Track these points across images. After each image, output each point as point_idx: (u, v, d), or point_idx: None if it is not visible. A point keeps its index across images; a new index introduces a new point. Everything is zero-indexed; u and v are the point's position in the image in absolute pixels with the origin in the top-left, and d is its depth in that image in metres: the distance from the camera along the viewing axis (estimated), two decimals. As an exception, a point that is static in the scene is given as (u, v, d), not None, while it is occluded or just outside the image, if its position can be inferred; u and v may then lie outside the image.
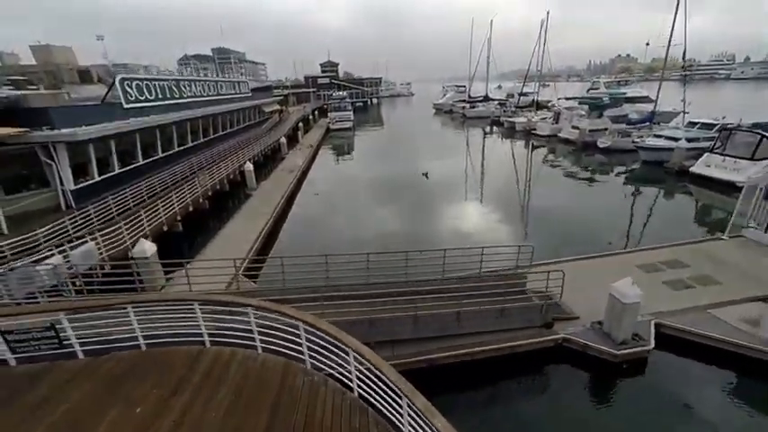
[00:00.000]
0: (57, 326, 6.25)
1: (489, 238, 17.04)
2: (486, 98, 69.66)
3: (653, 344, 9.12)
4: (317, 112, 67.52)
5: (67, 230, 13.38)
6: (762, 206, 13.85)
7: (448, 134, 54.94)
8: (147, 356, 6.49)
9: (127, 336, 6.57)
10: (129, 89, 19.16)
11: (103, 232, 12.82)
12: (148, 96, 20.74)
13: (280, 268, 10.74)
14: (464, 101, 74.77)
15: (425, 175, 26.97)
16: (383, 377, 4.74)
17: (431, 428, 4.04)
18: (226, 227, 17.25)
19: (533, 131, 44.67)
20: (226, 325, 6.72)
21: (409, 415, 4.44)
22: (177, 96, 24.16)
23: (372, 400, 5.19)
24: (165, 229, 16.32)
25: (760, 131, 22.27)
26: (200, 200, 19.56)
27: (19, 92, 16.59)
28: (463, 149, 42.33)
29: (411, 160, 34.49)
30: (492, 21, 68.66)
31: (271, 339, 6.35)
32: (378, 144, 47.48)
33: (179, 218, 17.47)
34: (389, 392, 4.81)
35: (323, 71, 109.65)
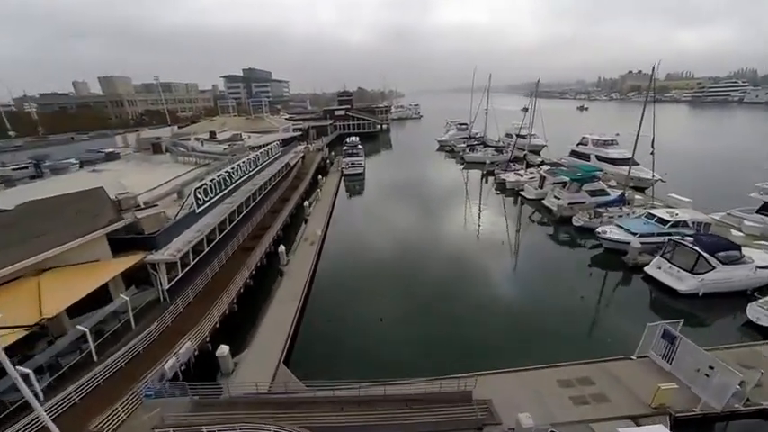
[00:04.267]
0: None
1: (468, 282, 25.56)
2: (484, 144, 71.75)
3: (542, 447, 13.57)
4: (332, 153, 72.09)
5: (168, 323, 18.73)
6: (661, 342, 17.08)
7: (448, 177, 58.47)
8: None
9: None
10: (200, 195, 24.02)
11: (194, 332, 17.97)
12: (211, 195, 25.61)
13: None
14: (465, 138, 78.44)
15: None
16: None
17: None
18: (269, 310, 21.90)
19: (521, 192, 45.87)
20: None
21: None
22: (229, 183, 29.06)
23: None
24: (227, 312, 21.21)
25: (697, 249, 23.42)
26: (248, 279, 24.40)
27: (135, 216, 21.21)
28: (459, 197, 47.48)
29: (412, 210, 41.23)
30: (490, 75, 72.78)
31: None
32: (385, 188, 52.49)
33: (235, 300, 22.36)
34: None
35: (339, 101, 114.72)
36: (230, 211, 27.40)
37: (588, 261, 29.28)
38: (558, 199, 38.17)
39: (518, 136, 71.79)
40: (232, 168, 29.74)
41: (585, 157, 52.49)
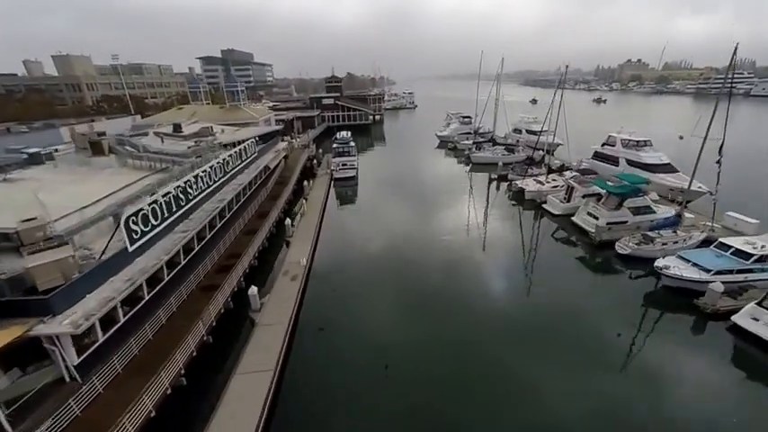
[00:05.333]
0: None
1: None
2: (494, 142, 65.19)
3: None
4: (320, 150, 65.62)
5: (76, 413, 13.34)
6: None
7: (453, 182, 52.07)
8: None
9: None
10: (134, 226, 17.97)
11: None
12: (154, 223, 19.52)
13: None
14: (469, 133, 72.41)
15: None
16: None
17: None
18: (232, 382, 16.39)
19: (543, 204, 39.69)
20: None
21: None
22: (184, 202, 22.94)
23: None
24: (169, 390, 15.59)
25: None
26: (205, 336, 18.69)
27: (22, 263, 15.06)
28: (469, 209, 41.37)
29: (414, 225, 35.93)
30: (503, 59, 66.94)
31: None
32: (382, 195, 46.48)
33: (183, 371, 16.69)
34: None
35: (327, 87, 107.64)
36: (186, 241, 21.39)
37: (640, 300, 24.01)
38: (595, 218, 32.29)
39: (531, 133, 66.18)
40: (188, 182, 23.44)
41: (613, 160, 46.53)
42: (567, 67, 45.80)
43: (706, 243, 27.79)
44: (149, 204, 18.76)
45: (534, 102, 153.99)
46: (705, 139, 27.33)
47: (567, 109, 43.45)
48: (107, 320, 16.06)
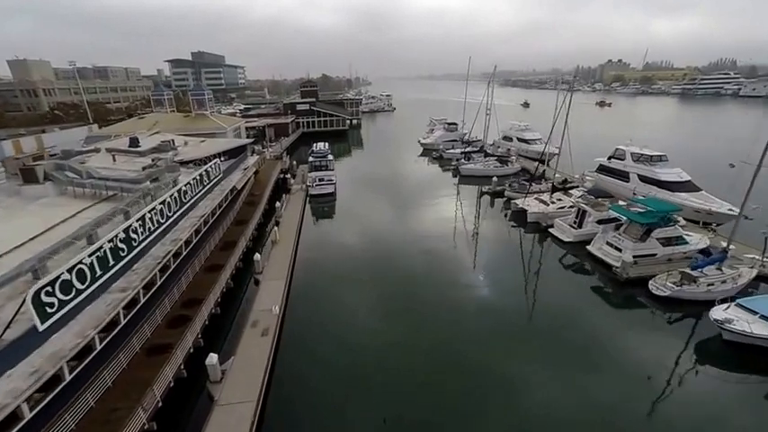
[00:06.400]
0: None
1: None
2: (486, 153, 60.38)
3: None
4: (294, 162, 61.19)
5: None
6: None
7: (441, 197, 47.85)
8: None
9: None
10: (49, 298, 13.87)
11: None
12: (80, 287, 15.44)
13: None
14: (455, 141, 69.83)
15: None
16: None
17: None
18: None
19: (550, 229, 34.78)
20: None
21: None
22: (125, 253, 18.78)
23: None
24: None
25: None
26: (146, 423, 14.84)
27: None
28: (462, 230, 37.24)
29: (402, 249, 32.37)
30: (495, 67, 65.21)
31: None
32: (363, 214, 42.68)
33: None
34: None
35: (302, 92, 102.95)
36: (126, 302, 17.40)
37: (692, 354, 20.13)
38: (618, 249, 28.06)
39: (523, 141, 64.07)
40: (131, 227, 19.29)
41: (622, 174, 41.77)
42: (577, 68, 43.91)
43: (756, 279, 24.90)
44: (69, 270, 14.64)
45: (527, 105, 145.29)
46: (759, 165, 23.09)
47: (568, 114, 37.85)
48: (7, 419, 12.09)
